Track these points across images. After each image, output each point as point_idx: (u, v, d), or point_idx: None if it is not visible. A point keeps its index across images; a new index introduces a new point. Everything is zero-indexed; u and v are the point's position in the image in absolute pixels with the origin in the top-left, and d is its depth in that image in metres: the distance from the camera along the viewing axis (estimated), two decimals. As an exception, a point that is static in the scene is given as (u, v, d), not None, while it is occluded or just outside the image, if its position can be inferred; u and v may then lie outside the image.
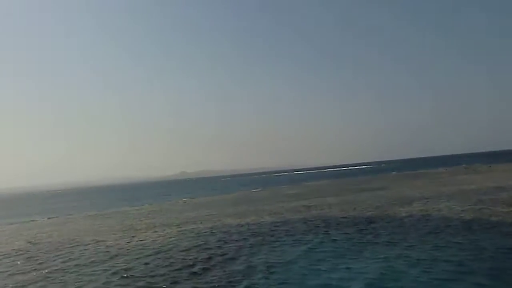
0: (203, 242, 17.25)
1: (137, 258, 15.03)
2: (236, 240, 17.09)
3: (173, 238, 19.11)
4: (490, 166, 66.54)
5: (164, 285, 11.13)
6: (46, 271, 14.18)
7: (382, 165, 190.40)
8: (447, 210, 20.45)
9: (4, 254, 18.94)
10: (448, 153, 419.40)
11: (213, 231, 20.19)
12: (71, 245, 19.79)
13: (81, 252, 17.67)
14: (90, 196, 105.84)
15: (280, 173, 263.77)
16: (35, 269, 14.70)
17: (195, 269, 12.59)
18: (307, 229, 18.33)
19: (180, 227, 22.88)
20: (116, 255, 16.02)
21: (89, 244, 19.69)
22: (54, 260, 16.19)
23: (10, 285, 12.54)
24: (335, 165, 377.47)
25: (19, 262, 16.50)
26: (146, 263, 14.04)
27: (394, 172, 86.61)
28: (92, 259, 15.62)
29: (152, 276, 12.15)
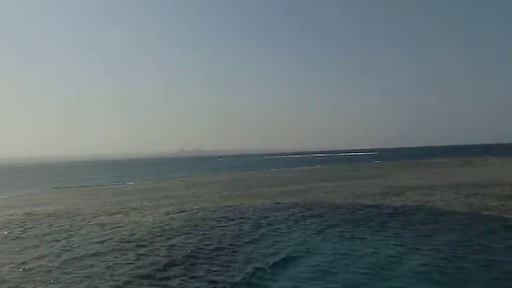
0: (191, 225, 17.12)
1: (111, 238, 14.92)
2: (222, 225, 16.94)
3: (156, 219, 18.99)
4: (487, 160, 66.68)
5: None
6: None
7: (373, 153, 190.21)
8: (440, 201, 20.28)
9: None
10: (452, 144, 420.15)
11: (203, 213, 20.03)
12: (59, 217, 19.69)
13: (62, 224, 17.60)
14: (79, 172, 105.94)
15: (278, 155, 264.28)
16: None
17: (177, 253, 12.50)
18: (289, 216, 18.03)
19: (170, 208, 22.73)
20: (93, 231, 15.93)
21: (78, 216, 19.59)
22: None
23: None
24: (334, 150, 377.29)
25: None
26: (116, 244, 13.94)
27: (391, 161, 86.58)
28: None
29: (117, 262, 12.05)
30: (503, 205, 18.13)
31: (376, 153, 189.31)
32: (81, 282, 9.79)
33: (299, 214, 18.43)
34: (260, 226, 15.96)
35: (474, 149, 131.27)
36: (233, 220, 17.52)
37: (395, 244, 12.22)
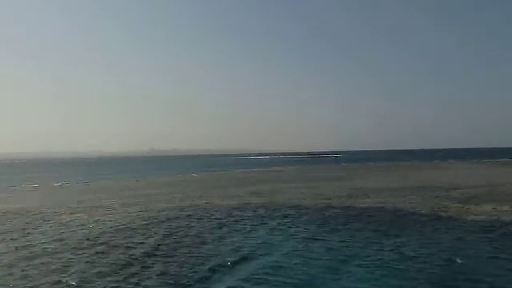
0: (153, 223, 16.93)
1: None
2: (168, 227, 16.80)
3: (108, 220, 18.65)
4: (449, 164, 69.45)
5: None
6: None
7: (338, 155, 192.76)
8: (402, 204, 20.77)
9: None
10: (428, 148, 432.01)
11: (167, 212, 19.84)
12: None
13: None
14: (60, 169, 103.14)
15: (249, 156, 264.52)
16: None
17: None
18: (254, 217, 18.07)
19: (135, 207, 22.40)
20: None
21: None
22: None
23: None
24: (309, 152, 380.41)
25: None
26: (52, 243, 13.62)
27: (368, 162, 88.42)
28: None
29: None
30: (462, 207, 18.76)
31: (342, 155, 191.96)
32: (35, 280, 9.51)
33: (264, 214, 18.49)
34: (223, 225, 15.93)
35: (439, 153, 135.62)
36: (197, 219, 17.41)
37: (357, 246, 12.38)
